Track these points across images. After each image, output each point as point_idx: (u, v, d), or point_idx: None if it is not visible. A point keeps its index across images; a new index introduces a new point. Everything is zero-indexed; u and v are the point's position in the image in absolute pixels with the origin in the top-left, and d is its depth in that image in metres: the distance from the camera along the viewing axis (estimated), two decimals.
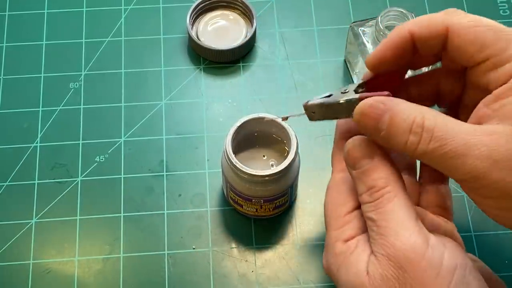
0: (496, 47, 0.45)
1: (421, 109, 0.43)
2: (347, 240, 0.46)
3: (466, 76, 0.48)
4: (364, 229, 0.46)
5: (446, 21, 0.46)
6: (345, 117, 0.47)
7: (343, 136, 0.50)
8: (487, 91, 0.45)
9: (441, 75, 0.50)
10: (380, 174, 0.45)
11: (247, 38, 0.71)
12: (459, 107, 0.50)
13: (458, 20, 0.46)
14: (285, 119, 0.54)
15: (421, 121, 0.43)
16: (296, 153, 0.59)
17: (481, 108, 0.44)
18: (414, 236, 0.42)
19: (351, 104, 0.46)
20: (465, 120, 0.44)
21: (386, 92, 0.45)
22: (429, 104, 0.51)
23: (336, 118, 0.48)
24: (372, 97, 0.45)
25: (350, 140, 0.46)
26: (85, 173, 0.66)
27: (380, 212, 0.44)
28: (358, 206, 0.47)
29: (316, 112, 0.48)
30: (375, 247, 0.43)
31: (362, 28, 0.68)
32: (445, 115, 0.43)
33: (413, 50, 0.47)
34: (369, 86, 0.48)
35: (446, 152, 0.42)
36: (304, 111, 0.49)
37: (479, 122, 0.44)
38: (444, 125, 0.42)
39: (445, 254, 0.42)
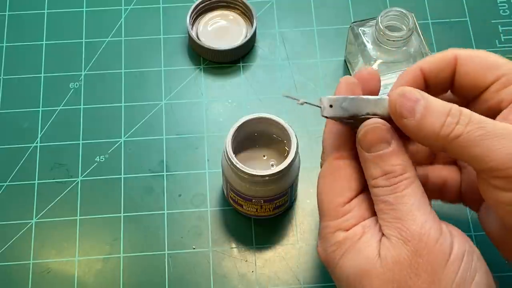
0: (506, 67, 0.47)
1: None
2: (348, 229, 0.46)
3: (475, 105, 0.49)
4: (367, 215, 0.46)
5: (454, 52, 0.49)
6: (364, 115, 0.47)
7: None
8: (498, 110, 0.46)
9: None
10: (397, 161, 0.45)
11: (247, 38, 0.71)
12: None
13: (465, 51, 0.49)
14: (301, 103, 0.52)
15: (459, 108, 0.44)
16: (296, 153, 0.59)
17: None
18: (430, 222, 0.43)
19: (381, 101, 0.46)
20: None
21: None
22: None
23: (352, 117, 0.47)
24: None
25: (368, 122, 0.46)
26: (85, 173, 0.66)
27: (398, 196, 0.44)
28: (357, 194, 0.47)
29: (334, 106, 0.47)
30: (390, 230, 0.44)
31: (362, 28, 0.68)
32: None
33: (425, 86, 0.49)
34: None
35: (486, 133, 0.43)
36: (320, 104, 0.48)
37: None
38: (480, 116, 0.44)
39: (454, 241, 0.43)
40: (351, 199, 0.47)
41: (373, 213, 0.46)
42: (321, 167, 0.50)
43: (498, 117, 0.46)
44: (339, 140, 0.49)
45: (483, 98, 0.48)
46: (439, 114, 0.44)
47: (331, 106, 0.47)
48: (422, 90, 0.48)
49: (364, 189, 0.48)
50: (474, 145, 0.43)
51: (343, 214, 0.46)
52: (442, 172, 0.53)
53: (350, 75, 0.71)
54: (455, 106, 0.44)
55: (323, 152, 0.50)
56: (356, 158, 0.48)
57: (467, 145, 0.43)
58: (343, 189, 0.47)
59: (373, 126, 0.46)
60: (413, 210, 0.44)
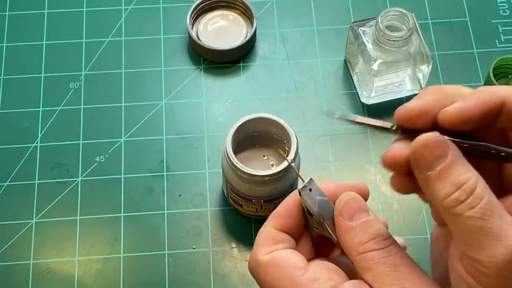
0: None
1: (477, 174, 0.42)
2: None
3: None
4: (339, 279, 0.45)
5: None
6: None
7: (285, 213, 0.49)
8: None
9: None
10: (381, 225, 0.45)
11: (247, 38, 0.71)
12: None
13: None
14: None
15: (474, 185, 0.41)
16: (296, 153, 0.59)
17: None
18: (431, 282, 0.43)
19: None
20: None
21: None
22: None
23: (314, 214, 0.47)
24: (437, 134, 0.43)
25: (347, 193, 0.46)
26: (85, 173, 0.66)
27: (396, 258, 0.44)
28: (307, 264, 0.46)
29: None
30: None
31: (362, 28, 0.68)
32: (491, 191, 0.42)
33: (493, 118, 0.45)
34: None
35: (485, 228, 0.41)
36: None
37: None
38: (490, 202, 0.41)
39: None
40: (306, 268, 0.45)
41: (342, 279, 0.45)
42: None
43: None
44: (270, 238, 0.48)
45: None
46: (450, 183, 0.41)
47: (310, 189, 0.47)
48: (487, 121, 0.44)
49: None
50: (467, 231, 0.41)
51: (312, 282, 0.45)
52: None
53: (350, 75, 0.71)
54: (473, 179, 0.41)
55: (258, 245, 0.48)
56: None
57: (460, 227, 0.41)
58: (295, 264, 0.46)
59: (351, 196, 0.46)
60: (417, 270, 0.43)
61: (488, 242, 0.40)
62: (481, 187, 0.41)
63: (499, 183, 0.46)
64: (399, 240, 0.47)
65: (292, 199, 0.48)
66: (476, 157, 0.44)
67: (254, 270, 0.46)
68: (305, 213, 0.48)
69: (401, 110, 0.44)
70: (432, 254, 0.50)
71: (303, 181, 0.48)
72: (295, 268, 0.45)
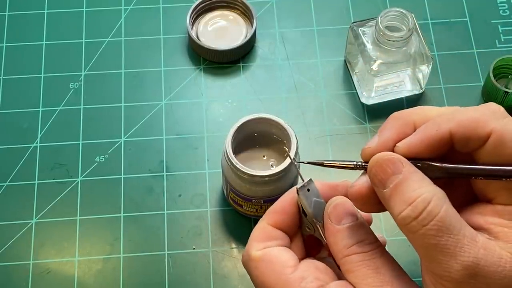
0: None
1: (434, 189, 0.42)
2: None
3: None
4: (328, 279, 0.46)
5: (490, 124, 0.43)
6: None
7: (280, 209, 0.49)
8: None
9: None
10: (367, 230, 0.46)
11: (247, 38, 0.71)
12: None
13: (504, 125, 0.43)
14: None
15: (426, 201, 0.41)
16: (296, 153, 0.59)
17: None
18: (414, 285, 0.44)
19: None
20: None
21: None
22: None
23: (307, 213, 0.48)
24: (390, 153, 0.43)
25: (336, 197, 0.47)
26: (85, 173, 0.66)
27: (378, 262, 0.44)
28: (297, 264, 0.46)
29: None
30: None
31: (362, 28, 0.68)
32: (451, 206, 0.42)
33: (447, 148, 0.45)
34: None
35: (437, 244, 0.40)
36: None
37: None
38: (446, 217, 0.41)
39: None
40: (296, 267, 0.46)
41: (330, 279, 0.46)
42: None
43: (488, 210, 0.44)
44: (264, 233, 0.48)
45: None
46: (401, 200, 0.42)
47: (308, 190, 0.48)
48: (441, 152, 0.44)
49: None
50: (423, 248, 0.41)
51: (299, 280, 0.45)
52: None
53: (350, 75, 0.71)
54: (425, 195, 0.41)
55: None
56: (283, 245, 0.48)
57: (416, 244, 0.42)
58: (285, 262, 0.46)
59: (341, 200, 0.47)
60: (400, 273, 0.44)
61: (444, 259, 0.41)
62: (435, 202, 0.41)
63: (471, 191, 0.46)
64: (378, 235, 0.48)
65: (289, 196, 0.49)
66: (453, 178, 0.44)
67: (246, 264, 0.48)
68: (300, 211, 0.49)
69: (366, 150, 0.45)
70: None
71: (303, 180, 0.48)
72: (285, 266, 0.46)
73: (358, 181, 0.46)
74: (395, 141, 0.45)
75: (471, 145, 0.43)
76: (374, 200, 0.45)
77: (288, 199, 0.49)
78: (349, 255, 0.45)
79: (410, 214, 0.41)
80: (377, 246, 0.45)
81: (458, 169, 0.44)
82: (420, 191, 0.41)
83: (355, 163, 0.46)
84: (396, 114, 0.47)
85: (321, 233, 0.47)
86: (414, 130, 0.45)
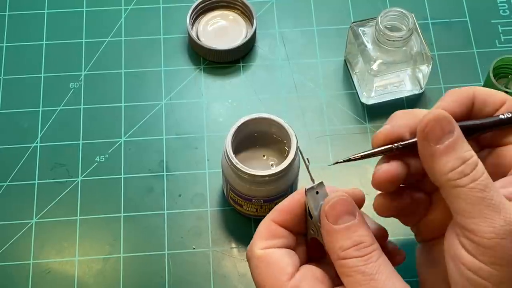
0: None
1: (475, 155, 0.45)
2: None
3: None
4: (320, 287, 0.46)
5: (504, 96, 0.50)
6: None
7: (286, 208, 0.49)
8: None
9: None
10: (365, 231, 0.46)
11: (247, 38, 0.71)
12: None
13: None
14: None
15: (476, 161, 0.44)
16: (296, 153, 0.59)
17: None
18: None
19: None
20: None
21: None
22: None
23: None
24: (446, 112, 0.46)
25: (334, 194, 0.46)
26: (85, 173, 0.66)
27: (374, 266, 0.44)
28: (296, 271, 0.46)
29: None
30: None
31: (362, 28, 0.68)
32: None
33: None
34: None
35: (485, 199, 0.43)
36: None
37: None
38: (489, 178, 0.44)
39: None
40: (293, 274, 0.46)
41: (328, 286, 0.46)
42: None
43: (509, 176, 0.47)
44: (268, 231, 0.49)
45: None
46: (457, 158, 0.44)
47: (317, 192, 0.48)
48: (466, 113, 0.49)
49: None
50: (469, 203, 0.43)
51: None
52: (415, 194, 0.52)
53: (350, 75, 0.71)
54: (475, 157, 0.44)
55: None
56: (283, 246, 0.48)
57: (463, 198, 0.43)
58: (282, 269, 0.47)
59: (340, 198, 0.46)
60: (393, 278, 0.44)
61: (489, 213, 0.42)
62: (481, 165, 0.44)
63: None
64: (379, 228, 0.48)
65: (298, 197, 0.49)
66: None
67: (249, 260, 0.48)
68: (306, 213, 0.48)
69: (380, 133, 0.49)
70: (419, 272, 0.51)
71: (313, 182, 0.48)
72: (282, 273, 0.46)
73: (382, 167, 0.48)
74: (405, 126, 0.49)
75: (487, 108, 0.49)
76: (398, 183, 0.48)
77: (296, 198, 0.49)
78: (344, 259, 0.45)
79: (463, 170, 0.44)
80: (375, 249, 0.45)
81: (477, 125, 0.49)
82: (471, 152, 0.44)
83: (391, 146, 0.48)
84: (401, 110, 0.50)
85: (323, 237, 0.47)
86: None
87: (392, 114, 0.50)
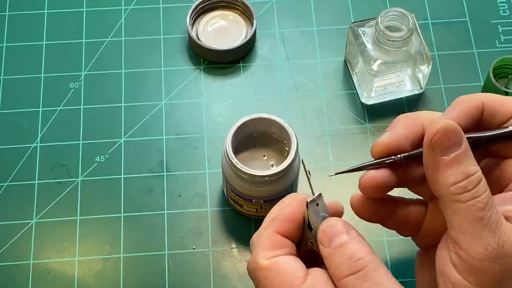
0: None
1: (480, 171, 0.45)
2: None
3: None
4: None
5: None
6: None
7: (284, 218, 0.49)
8: None
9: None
10: (359, 246, 0.45)
11: (247, 38, 0.71)
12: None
13: None
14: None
15: (480, 178, 0.43)
16: (296, 153, 0.59)
17: None
18: None
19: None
20: None
21: None
22: None
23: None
24: (456, 123, 0.45)
25: (329, 219, 0.46)
26: (85, 173, 0.66)
27: (372, 281, 0.44)
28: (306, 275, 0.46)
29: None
30: None
31: (362, 28, 0.68)
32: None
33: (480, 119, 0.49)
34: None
35: (483, 217, 0.42)
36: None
37: None
38: (491, 197, 0.43)
39: None
40: (305, 277, 0.46)
41: None
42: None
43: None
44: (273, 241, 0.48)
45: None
46: (462, 172, 0.43)
47: (317, 204, 0.48)
48: (474, 124, 0.48)
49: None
50: (466, 219, 0.42)
51: None
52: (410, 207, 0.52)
53: (350, 75, 0.71)
54: (479, 173, 0.44)
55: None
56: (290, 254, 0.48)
57: (461, 214, 0.43)
58: (294, 274, 0.46)
59: (330, 223, 0.46)
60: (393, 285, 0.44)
61: (484, 233, 0.42)
62: (484, 181, 0.44)
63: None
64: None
65: (298, 207, 0.48)
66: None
67: (253, 272, 0.47)
68: (304, 225, 0.48)
69: (379, 144, 0.48)
70: (416, 275, 0.51)
71: (313, 194, 0.47)
72: (295, 276, 0.45)
73: (371, 172, 0.48)
74: (406, 137, 0.48)
75: (497, 118, 0.48)
76: (385, 190, 0.48)
77: (296, 208, 0.48)
78: (341, 279, 0.45)
79: (466, 185, 0.43)
80: (369, 261, 0.44)
81: (485, 137, 0.48)
82: (476, 168, 0.44)
83: (394, 158, 0.48)
84: (403, 114, 0.50)
85: None
86: (423, 129, 0.48)
87: (394, 120, 0.49)
